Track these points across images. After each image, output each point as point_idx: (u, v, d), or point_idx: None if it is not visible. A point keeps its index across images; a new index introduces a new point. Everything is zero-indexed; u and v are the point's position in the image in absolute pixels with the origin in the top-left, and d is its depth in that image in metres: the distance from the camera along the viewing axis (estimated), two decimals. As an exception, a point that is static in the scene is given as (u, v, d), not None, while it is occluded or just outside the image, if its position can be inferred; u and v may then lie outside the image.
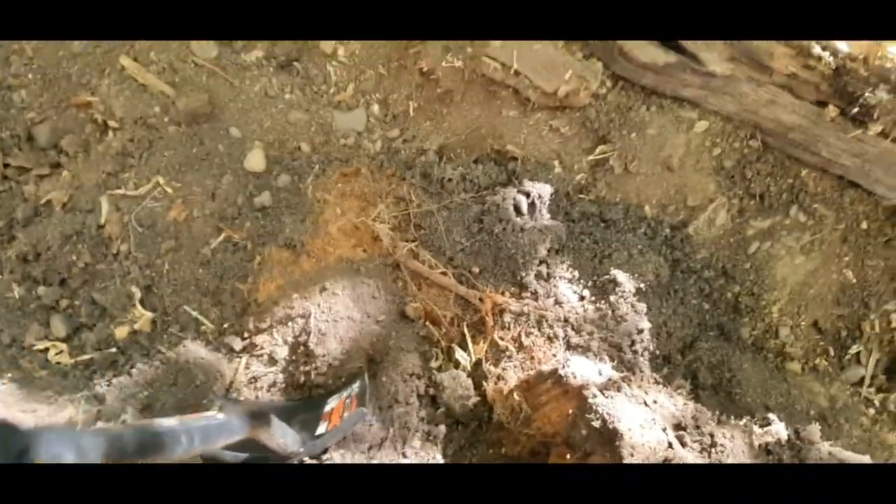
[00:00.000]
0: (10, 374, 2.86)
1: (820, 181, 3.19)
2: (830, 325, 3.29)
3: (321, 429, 2.52)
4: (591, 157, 3.26)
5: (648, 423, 2.41)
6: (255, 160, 3.17)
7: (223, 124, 3.23)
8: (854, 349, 3.29)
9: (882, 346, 3.31)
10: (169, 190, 3.07)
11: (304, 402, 2.79)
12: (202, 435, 1.76)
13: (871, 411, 3.24)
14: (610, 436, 2.35)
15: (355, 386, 2.67)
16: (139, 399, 2.70)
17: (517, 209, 3.02)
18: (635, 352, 2.91)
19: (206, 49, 3.26)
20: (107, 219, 3.04)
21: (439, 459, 2.81)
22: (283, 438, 2.30)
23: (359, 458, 2.58)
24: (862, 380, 3.29)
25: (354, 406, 2.54)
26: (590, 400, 2.42)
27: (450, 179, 3.10)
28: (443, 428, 2.83)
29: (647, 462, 2.32)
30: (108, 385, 2.78)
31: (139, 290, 2.97)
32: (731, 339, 3.23)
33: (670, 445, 2.35)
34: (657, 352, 3.01)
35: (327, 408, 2.64)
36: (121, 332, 2.93)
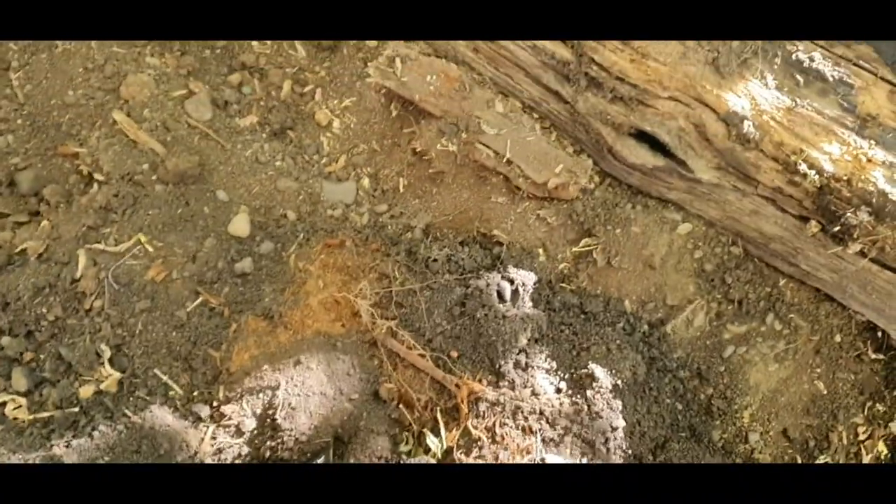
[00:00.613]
0: (-36, 429, 2.75)
1: (797, 292, 3.26)
2: (799, 434, 3.31)
3: None
4: (575, 249, 3.30)
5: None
6: (240, 225, 3.15)
7: (211, 186, 3.21)
8: (821, 459, 3.31)
9: (848, 458, 3.33)
10: (150, 249, 3.02)
11: None
12: None
13: (837, 524, 3.25)
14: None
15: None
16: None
17: (500, 296, 3.02)
18: (608, 449, 2.90)
19: (201, 111, 3.26)
20: (82, 273, 2.98)
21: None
22: None
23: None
24: (828, 491, 3.30)
25: None
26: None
27: (435, 259, 3.10)
28: (408, 516, 2.78)
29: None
30: (66, 447, 2.67)
31: (109, 349, 2.89)
32: (701, 441, 3.23)
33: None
34: (629, 451, 2.99)
35: None
36: (85, 392, 2.84)
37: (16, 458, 2.61)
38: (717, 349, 3.29)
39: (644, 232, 3.23)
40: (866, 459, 3.34)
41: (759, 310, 3.24)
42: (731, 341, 3.27)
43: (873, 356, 3.29)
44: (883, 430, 3.34)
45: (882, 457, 3.34)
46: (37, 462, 2.56)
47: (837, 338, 3.26)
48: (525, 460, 2.69)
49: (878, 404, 3.34)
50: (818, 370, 3.27)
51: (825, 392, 3.29)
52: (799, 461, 3.31)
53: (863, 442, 3.34)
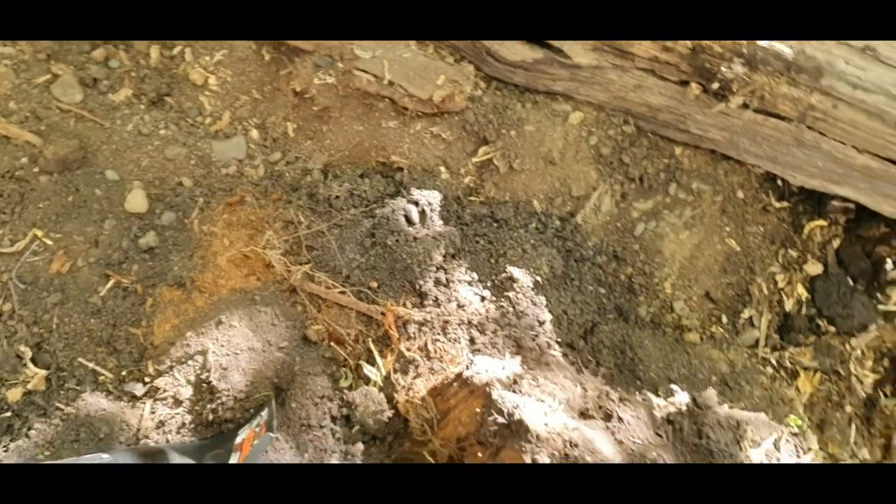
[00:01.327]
0: None
1: (694, 158, 3.32)
2: (721, 293, 3.42)
3: (233, 460, 2.48)
4: (475, 159, 3.31)
5: (552, 410, 2.47)
6: (136, 201, 3.10)
7: (98, 168, 3.13)
8: (746, 314, 3.44)
9: (772, 308, 3.47)
10: (48, 242, 2.96)
11: (215, 438, 2.75)
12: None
13: (769, 370, 3.39)
14: (516, 428, 2.40)
15: (263, 413, 2.65)
16: (41, 461, 2.60)
17: (408, 219, 3.04)
18: (539, 344, 2.98)
19: (70, 93, 3.16)
20: (-16, 280, 2.92)
21: (359, 477, 2.81)
22: None
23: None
24: (757, 342, 3.44)
25: (263, 432, 2.52)
26: (494, 396, 2.46)
27: (337, 197, 3.10)
28: (360, 445, 2.83)
29: (557, 451, 2.38)
30: (4, 451, 2.66)
31: (29, 349, 2.85)
32: (629, 319, 3.33)
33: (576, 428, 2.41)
34: (560, 340, 3.07)
35: (238, 440, 2.61)
36: (13, 395, 2.81)
37: None
38: (629, 229, 3.36)
39: (538, 129, 3.25)
40: (788, 305, 3.48)
41: (661, 182, 3.31)
42: (640, 219, 3.35)
43: (777, 205, 3.40)
44: (799, 274, 3.48)
45: (803, 299, 3.49)
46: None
47: (740, 194, 3.35)
48: (457, 368, 2.74)
49: (790, 250, 3.47)
50: (727, 229, 3.37)
51: (738, 249, 3.39)
52: (724, 320, 3.44)
53: (783, 289, 3.48)
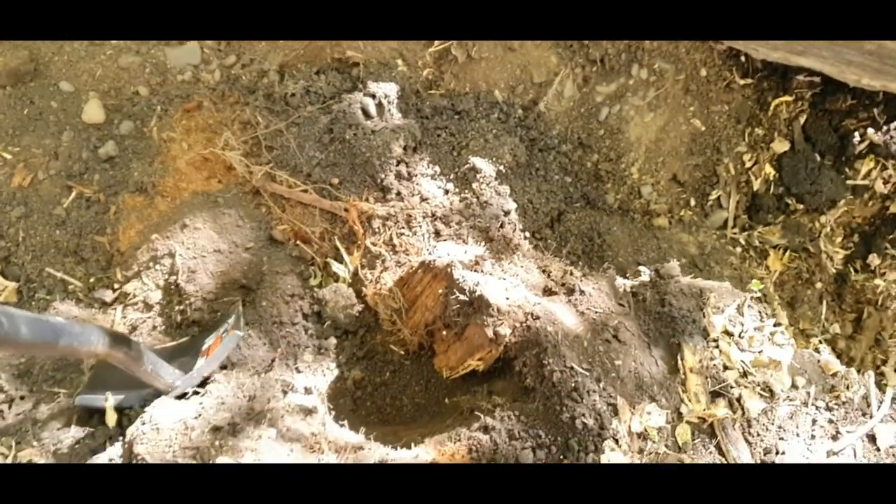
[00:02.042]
0: None
1: (654, 37, 3.27)
2: (688, 176, 3.42)
3: (199, 364, 2.52)
4: (432, 50, 3.26)
5: (513, 287, 2.50)
6: (93, 112, 3.07)
7: (51, 80, 3.10)
8: (714, 195, 3.44)
9: (740, 188, 3.47)
10: (7, 156, 2.95)
11: (181, 344, 2.78)
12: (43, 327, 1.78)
13: (738, 250, 3.42)
14: (478, 304, 2.43)
15: (230, 318, 2.66)
16: (15, 366, 2.64)
17: (365, 112, 3.01)
18: (504, 234, 2.99)
19: (15, 4, 3.10)
20: (-54, 197, 2.92)
21: (333, 369, 2.86)
22: (157, 369, 2.30)
23: (250, 381, 2.58)
24: (726, 222, 3.45)
25: (231, 333, 2.56)
26: (455, 276, 2.49)
27: (293, 95, 3.06)
28: (333, 340, 2.88)
29: (519, 322, 2.41)
30: (-23, 361, 2.71)
31: (-3, 264, 2.89)
32: (597, 206, 3.34)
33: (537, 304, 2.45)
34: (526, 229, 3.08)
35: (205, 345, 2.64)
36: (-15, 309, 2.85)
37: None
38: (593, 114, 3.33)
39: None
40: (756, 185, 3.48)
41: (623, 63, 3.26)
42: (603, 103, 3.32)
43: (742, 82, 3.36)
44: (766, 152, 3.46)
45: (771, 178, 3.48)
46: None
47: (703, 72, 3.31)
48: (422, 258, 2.76)
49: (756, 129, 3.45)
50: (692, 109, 3.34)
51: (703, 128, 3.37)
52: (692, 203, 3.45)
53: (750, 169, 3.48)
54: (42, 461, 2.28)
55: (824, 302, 3.47)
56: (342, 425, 2.65)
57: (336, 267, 2.94)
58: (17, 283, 2.88)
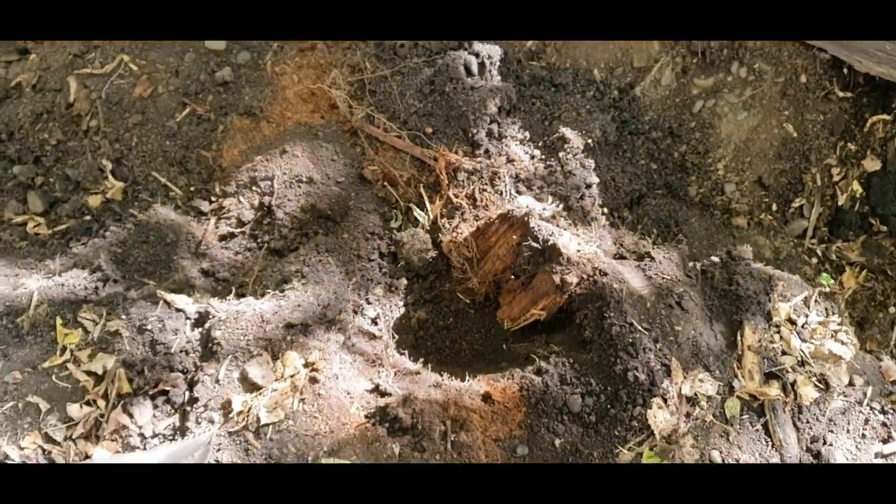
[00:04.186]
0: (-8, 244, 3.01)
1: (759, 36, 3.31)
2: (774, 180, 3.43)
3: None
4: (539, 22, 3.37)
5: (585, 242, 2.58)
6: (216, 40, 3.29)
7: (183, 4, 3.33)
8: (797, 203, 3.44)
9: (824, 200, 3.46)
10: (134, 68, 3.19)
11: None
12: None
13: (814, 261, 3.41)
14: (549, 252, 2.52)
15: (197, 454, 2.20)
16: (112, 252, 2.85)
17: (467, 69, 3.14)
18: (583, 205, 3.07)
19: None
20: (75, 97, 3.16)
21: (400, 307, 2.99)
22: None
23: (326, 294, 2.69)
24: (805, 232, 3.45)
25: None
26: (531, 224, 2.58)
27: (402, 45, 3.22)
28: (404, 280, 3.01)
29: (587, 275, 2.49)
30: (83, 246, 2.93)
31: (110, 163, 3.11)
32: (678, 196, 3.38)
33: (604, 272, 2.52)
34: (605, 206, 3.15)
35: None
36: (94, 201, 3.08)
37: (38, 276, 2.84)
38: (687, 105, 3.38)
39: (604, -4, 3.28)
40: (841, 200, 3.46)
41: (724, 59, 3.30)
42: (699, 96, 3.36)
43: (841, 94, 3.36)
44: (856, 168, 3.45)
45: (857, 195, 3.46)
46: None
47: (803, 78, 3.32)
48: (503, 210, 2.86)
49: (849, 143, 3.44)
50: (786, 113, 3.36)
51: (795, 135, 3.38)
52: (774, 207, 3.45)
53: (837, 183, 3.46)
54: (127, 335, 2.46)
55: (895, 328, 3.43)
56: (402, 354, 2.78)
57: (417, 213, 3.07)
58: (125, 183, 3.11)
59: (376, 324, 2.88)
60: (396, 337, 2.87)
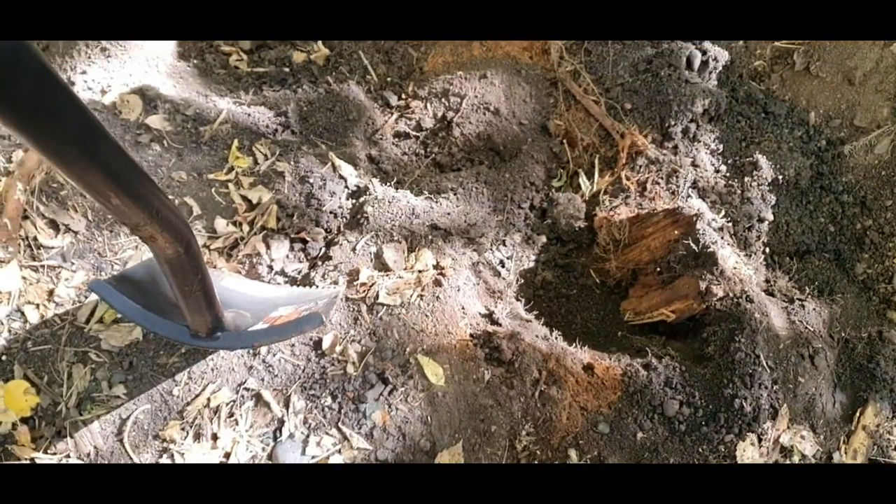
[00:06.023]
0: (195, 61, 3.19)
1: None
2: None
3: (257, 327, 1.99)
4: (776, 44, 3.25)
5: (744, 265, 2.51)
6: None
7: None
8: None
9: None
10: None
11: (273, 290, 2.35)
12: None
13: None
14: (704, 258, 2.46)
15: (323, 300, 2.11)
16: (299, 107, 2.97)
17: (689, 62, 3.07)
18: (748, 237, 2.96)
19: None
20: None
21: (531, 261, 2.99)
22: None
23: (474, 214, 2.72)
24: (962, 354, 3.22)
25: (312, 314, 1.97)
26: (697, 226, 2.52)
27: (634, 18, 3.18)
28: (544, 238, 3.00)
29: (734, 293, 2.42)
30: (274, 92, 3.07)
31: (323, 30, 3.24)
32: (843, 267, 3.21)
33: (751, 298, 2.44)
34: (768, 246, 3.04)
35: (276, 312, 2.08)
36: (298, 57, 3.22)
37: (229, 99, 3.00)
38: (891, 182, 3.20)
39: (854, 42, 3.13)
40: None
41: (950, 150, 3.10)
42: (908, 177, 3.18)
43: None
44: None
45: None
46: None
47: None
48: (671, 206, 2.80)
49: None
50: None
51: None
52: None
53: None
54: (289, 179, 2.57)
55: None
56: (518, 301, 2.79)
57: (583, 180, 3.05)
58: (330, 52, 3.23)
59: (503, 266, 2.90)
60: (517, 286, 2.88)
